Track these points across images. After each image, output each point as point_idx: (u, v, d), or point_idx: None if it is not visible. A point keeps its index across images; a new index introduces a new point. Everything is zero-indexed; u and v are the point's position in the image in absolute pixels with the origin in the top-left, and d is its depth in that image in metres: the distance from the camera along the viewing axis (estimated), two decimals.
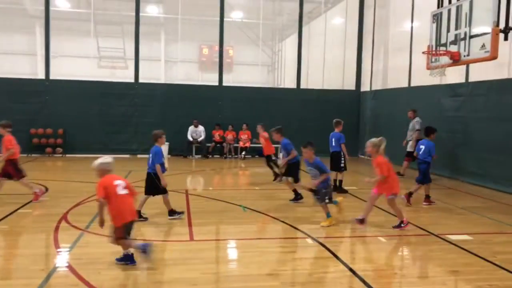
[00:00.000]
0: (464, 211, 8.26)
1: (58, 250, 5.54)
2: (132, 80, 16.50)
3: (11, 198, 8.27)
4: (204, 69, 29.71)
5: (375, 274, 4.97)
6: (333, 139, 9.64)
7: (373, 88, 16.88)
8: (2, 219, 6.89)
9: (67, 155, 15.29)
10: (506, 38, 7.53)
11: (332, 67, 19.42)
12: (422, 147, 8.53)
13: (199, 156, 15.80)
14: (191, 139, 15.85)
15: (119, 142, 15.71)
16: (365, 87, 17.50)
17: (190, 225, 6.78)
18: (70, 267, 4.89)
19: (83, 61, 26.40)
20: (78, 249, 5.58)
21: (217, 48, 17.59)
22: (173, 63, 29.86)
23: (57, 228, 6.40)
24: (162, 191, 6.96)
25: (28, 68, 26.90)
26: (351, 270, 5.00)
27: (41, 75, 24.18)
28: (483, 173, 10.66)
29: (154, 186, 6.96)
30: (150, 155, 6.96)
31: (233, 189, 10.82)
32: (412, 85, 14.10)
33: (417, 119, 12.20)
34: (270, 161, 11.21)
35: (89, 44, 27.89)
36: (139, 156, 15.78)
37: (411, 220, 7.09)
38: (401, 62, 14.65)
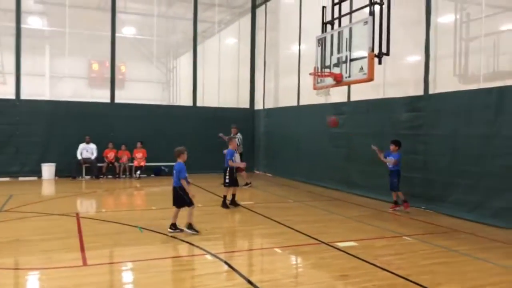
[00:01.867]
0: (350, 220, 8.96)
1: None
2: (13, 97, 15.20)
3: None
4: (94, 85, 28.35)
5: (272, 284, 5.17)
6: (228, 156, 9.92)
7: (266, 107, 17.61)
8: None
9: None
10: (380, 62, 8.42)
11: (227, 85, 19.88)
12: None
13: (89, 177, 14.99)
14: (80, 158, 14.98)
15: None
16: (258, 105, 18.18)
17: (82, 249, 6.42)
18: None
19: None
20: None
21: (108, 64, 17.00)
22: (60, 78, 28.07)
23: None
24: (189, 203, 7.46)
25: None
26: (249, 282, 5.14)
27: None
28: (366, 184, 11.66)
29: (181, 199, 7.49)
30: (174, 171, 7.49)
31: (128, 210, 10.45)
32: (301, 103, 14.99)
33: (238, 135, 13.38)
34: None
35: None
36: (20, 179, 14.51)
37: (307, 231, 7.54)
38: (291, 82, 15.53)
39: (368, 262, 5.93)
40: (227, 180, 9.85)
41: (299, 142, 14.82)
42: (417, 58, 10.58)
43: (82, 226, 7.97)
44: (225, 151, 10.43)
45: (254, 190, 12.88)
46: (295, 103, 15.27)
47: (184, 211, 7.54)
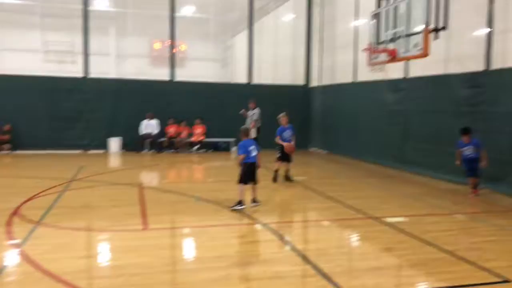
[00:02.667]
0: (402, 196, 8.95)
1: (11, 242, 5.59)
2: (82, 75, 16.25)
3: None
4: (155, 64, 29.49)
5: (318, 253, 5.41)
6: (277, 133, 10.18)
7: (322, 84, 17.55)
8: None
9: (16, 152, 14.86)
10: (436, 37, 8.21)
11: (283, 62, 19.95)
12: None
13: (152, 151, 15.84)
14: (143, 133, 15.84)
15: (69, 138, 15.46)
16: (314, 83, 18.15)
17: (144, 215, 6.98)
18: (25, 256, 5.00)
19: (28, 55, 25.54)
20: (33, 240, 5.67)
21: (168, 43, 17.64)
22: (124, 58, 29.42)
23: (8, 222, 6.41)
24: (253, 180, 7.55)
25: None
26: (296, 250, 5.42)
27: None
28: (422, 162, 11.47)
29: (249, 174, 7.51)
30: (252, 147, 7.54)
31: (187, 182, 11.04)
32: (357, 80, 14.83)
33: (256, 110, 13.75)
34: None
35: (34, 37, 27.00)
36: (90, 151, 15.62)
37: (357, 206, 7.68)
38: (347, 59, 15.34)
39: (415, 237, 6.00)
40: (278, 155, 10.11)
41: (355, 119, 14.73)
42: (479, 31, 10.11)
43: (145, 195, 8.59)
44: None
45: (308, 166, 13.08)
46: (351, 80, 15.12)
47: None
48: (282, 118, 10.21)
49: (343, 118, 15.54)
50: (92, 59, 16.59)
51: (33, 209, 7.17)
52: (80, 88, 15.80)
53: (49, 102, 15.33)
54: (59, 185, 9.25)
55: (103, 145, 15.71)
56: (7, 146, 14.69)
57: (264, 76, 19.43)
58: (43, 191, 8.57)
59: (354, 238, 6.28)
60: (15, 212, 6.97)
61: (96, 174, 10.96)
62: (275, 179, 10.15)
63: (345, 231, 6.61)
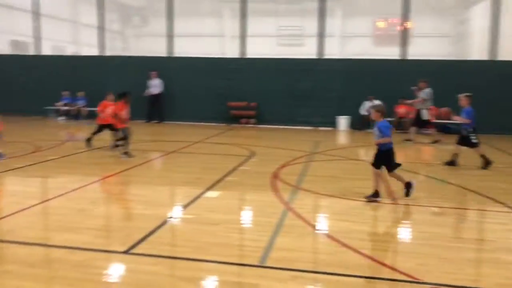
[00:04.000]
0: None
1: (280, 200, 6.55)
2: (313, 57, 17.36)
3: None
4: (378, 43, 29.24)
5: None
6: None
7: None
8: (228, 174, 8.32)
9: (258, 126, 17.00)
10: None
11: None
12: None
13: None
14: (364, 113, 16.03)
15: (302, 115, 16.81)
16: None
17: (391, 193, 7.18)
18: (295, 213, 5.83)
19: (264, 40, 28.43)
20: (296, 200, 6.54)
21: (393, 21, 17.27)
22: (348, 38, 30.02)
23: (272, 183, 7.49)
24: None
25: (217, 48, 30.12)
26: None
27: (230, 55, 26.96)
28: None
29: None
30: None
31: (418, 163, 10.79)
32: None
33: (428, 90, 12.92)
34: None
35: (269, 24, 29.81)
36: (320, 128, 16.69)
37: None
38: None
39: None
40: (474, 141, 9.11)
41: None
42: None
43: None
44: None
45: None
46: None
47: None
48: (463, 98, 9.16)
49: None
50: (319, 41, 17.49)
51: (289, 175, 8.19)
52: (313, 69, 16.92)
53: (286, 82, 16.92)
54: (302, 156, 10.27)
55: (333, 123, 16.56)
56: (252, 120, 16.92)
57: (509, 51, 17.27)
58: (292, 160, 9.67)
59: None
60: (275, 176, 8.09)
61: (332, 149, 11.72)
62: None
63: None
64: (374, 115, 6.62)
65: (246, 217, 5.90)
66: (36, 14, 20.28)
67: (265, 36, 28.50)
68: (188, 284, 3.87)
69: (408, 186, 6.66)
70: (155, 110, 17.38)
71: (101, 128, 10.76)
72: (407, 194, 6.63)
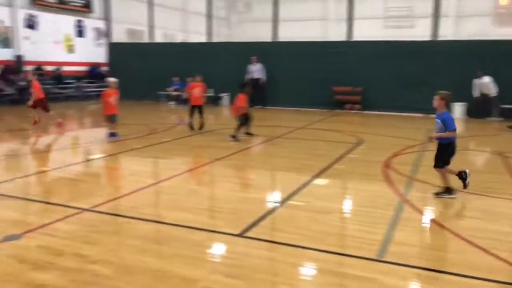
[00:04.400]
0: None
1: (394, 190, 6.17)
2: (426, 39, 16.18)
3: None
4: (500, 22, 26.51)
5: None
6: None
7: None
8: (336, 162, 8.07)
9: (363, 112, 16.37)
10: None
11: None
12: None
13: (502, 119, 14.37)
14: (477, 96, 14.58)
15: (412, 101, 15.80)
16: None
17: None
18: (411, 205, 5.43)
19: (369, 22, 27.27)
20: (414, 192, 6.11)
21: None
22: (464, 18, 27.65)
23: (384, 173, 7.10)
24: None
25: (320, 32, 29.56)
26: None
27: (333, 38, 26.31)
28: None
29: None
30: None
31: None
32: None
33: None
34: None
35: (376, 5, 28.51)
36: (432, 116, 15.57)
37: None
38: None
39: None
40: None
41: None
42: None
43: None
44: None
45: None
46: None
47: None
48: None
49: None
50: (427, 22, 16.20)
51: (401, 165, 7.70)
52: (426, 52, 15.77)
53: (394, 66, 15.99)
54: (414, 145, 9.63)
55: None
56: (357, 106, 16.33)
57: None
58: (404, 149, 9.11)
59: None
60: (386, 165, 7.66)
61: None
62: None
63: None
64: (437, 103, 5.83)
65: (358, 207, 5.62)
66: (150, 3, 21.55)
67: (371, 18, 27.34)
68: (304, 274, 3.77)
69: (461, 175, 5.89)
70: (256, 95, 17.54)
71: (193, 109, 11.17)
72: (465, 186, 5.88)
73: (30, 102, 11.19)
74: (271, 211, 5.27)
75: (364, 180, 6.95)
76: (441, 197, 5.76)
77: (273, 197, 5.97)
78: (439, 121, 5.78)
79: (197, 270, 3.72)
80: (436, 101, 5.86)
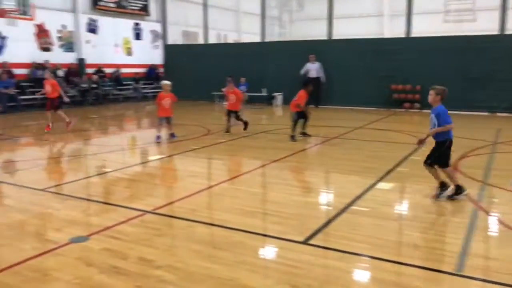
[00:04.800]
0: None
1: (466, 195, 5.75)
2: (489, 32, 15.19)
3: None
4: None
5: None
6: None
7: None
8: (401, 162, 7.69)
9: (423, 111, 15.63)
10: None
11: None
12: None
13: None
14: None
15: (477, 99, 14.91)
16: None
17: None
18: (488, 214, 5.03)
19: (427, 17, 26.17)
20: (489, 199, 5.67)
21: None
22: None
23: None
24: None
25: (374, 28, 28.69)
26: None
27: (388, 35, 25.43)
28: None
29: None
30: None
31: None
32: None
33: None
34: None
35: None
36: (498, 114, 14.66)
37: None
38: None
39: None
40: None
41: None
42: None
43: None
44: None
45: None
46: None
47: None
48: None
49: None
50: (491, 15, 15.17)
51: (471, 168, 7.20)
52: (492, 47, 14.82)
53: (456, 63, 15.16)
54: (483, 146, 9.05)
55: None
56: (417, 105, 15.64)
57: None
58: (472, 150, 8.56)
59: None
60: (454, 168, 7.18)
61: None
62: None
63: None
64: (432, 98, 5.50)
65: (427, 214, 5.27)
66: (205, 5, 21.79)
67: (429, 13, 26.19)
68: (374, 286, 3.54)
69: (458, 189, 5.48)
70: (312, 94, 17.20)
71: (229, 113, 10.97)
72: (437, 196, 5.54)
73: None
74: (335, 217, 5.05)
75: (431, 184, 6.55)
76: (455, 198, 5.47)
77: (336, 202, 5.75)
78: (433, 116, 5.48)
79: (264, 280, 3.58)
80: (431, 96, 5.55)
